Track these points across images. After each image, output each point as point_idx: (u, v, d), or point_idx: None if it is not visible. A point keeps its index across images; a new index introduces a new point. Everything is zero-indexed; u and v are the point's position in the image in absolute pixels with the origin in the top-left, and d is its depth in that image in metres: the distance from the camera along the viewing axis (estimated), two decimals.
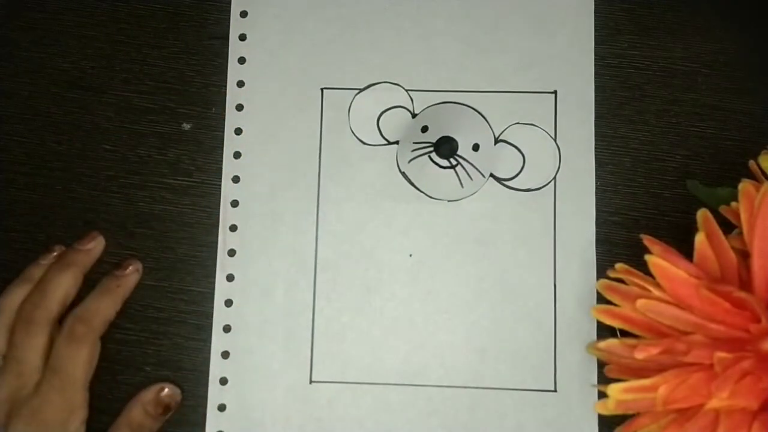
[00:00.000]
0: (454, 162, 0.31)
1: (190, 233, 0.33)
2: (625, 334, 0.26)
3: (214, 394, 0.32)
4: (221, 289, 0.33)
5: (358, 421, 0.32)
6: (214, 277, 0.33)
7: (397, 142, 0.33)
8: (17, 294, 0.31)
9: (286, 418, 0.32)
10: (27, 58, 0.35)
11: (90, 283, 0.33)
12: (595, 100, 0.33)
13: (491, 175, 0.33)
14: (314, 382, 0.32)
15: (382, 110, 0.34)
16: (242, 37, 0.34)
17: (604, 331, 0.31)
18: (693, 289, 0.24)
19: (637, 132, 0.33)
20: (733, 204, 0.25)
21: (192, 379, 0.33)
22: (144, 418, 0.31)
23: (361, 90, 0.34)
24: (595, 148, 0.33)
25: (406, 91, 0.34)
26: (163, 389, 0.32)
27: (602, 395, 0.25)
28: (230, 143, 0.34)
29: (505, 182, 0.33)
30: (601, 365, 0.31)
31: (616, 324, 0.26)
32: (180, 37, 0.35)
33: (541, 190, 0.33)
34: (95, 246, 0.32)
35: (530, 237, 0.33)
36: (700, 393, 0.23)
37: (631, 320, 0.25)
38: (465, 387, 0.32)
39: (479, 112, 0.33)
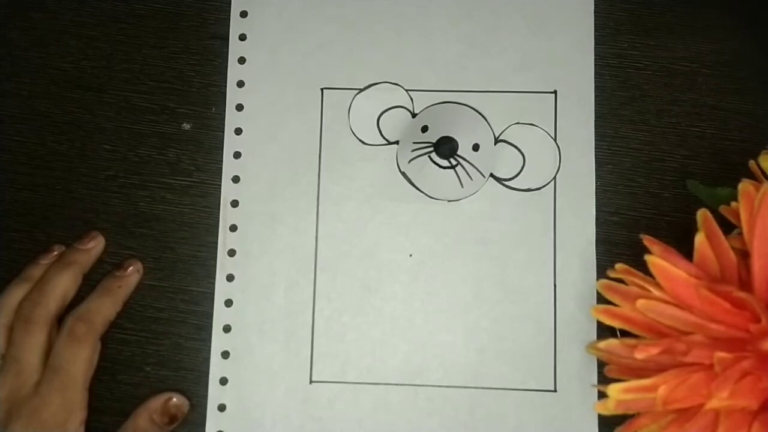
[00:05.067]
0: (454, 162, 0.31)
1: (190, 233, 0.33)
2: (625, 334, 0.26)
3: (214, 394, 0.32)
4: (221, 289, 0.33)
5: (358, 421, 0.32)
6: (214, 277, 0.33)
7: (397, 142, 0.33)
8: (16, 293, 0.31)
9: (286, 418, 0.32)
10: (27, 58, 0.35)
11: (90, 283, 0.33)
12: (595, 100, 0.33)
13: (491, 175, 0.33)
14: (314, 382, 0.32)
15: (382, 110, 0.34)
16: (242, 37, 0.34)
17: (604, 331, 0.31)
18: (693, 289, 0.24)
19: (637, 132, 0.33)
20: (733, 204, 0.25)
21: (192, 379, 0.33)
22: (149, 426, 0.31)
23: (361, 90, 0.34)
24: (595, 148, 0.33)
25: (406, 91, 0.34)
26: (171, 399, 0.32)
27: (602, 395, 0.25)
28: (230, 143, 0.34)
29: (505, 182, 0.33)
30: (601, 365, 0.31)
31: (616, 324, 0.26)
32: (180, 37, 0.35)
33: (541, 190, 0.33)
34: (95, 245, 0.32)
35: (530, 237, 0.33)
36: (700, 393, 0.23)
37: (631, 320, 0.25)
38: (465, 387, 0.32)
39: (479, 112, 0.33)
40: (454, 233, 0.33)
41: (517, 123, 0.33)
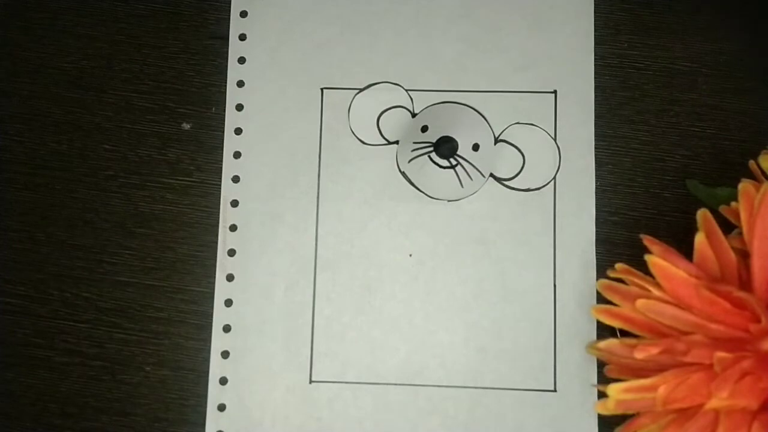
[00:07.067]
0: (454, 162, 0.31)
1: (190, 233, 0.33)
2: (625, 334, 0.26)
3: (214, 394, 0.32)
4: (221, 289, 0.33)
5: (358, 421, 0.32)
6: (214, 277, 0.33)
7: (397, 142, 0.33)
8: None
9: (286, 418, 0.32)
10: (27, 58, 0.35)
11: (91, 282, 0.33)
12: (595, 100, 0.33)
13: (491, 175, 0.33)
14: (314, 382, 0.32)
15: (382, 110, 0.34)
16: (242, 37, 0.34)
17: (604, 331, 0.31)
18: (693, 289, 0.24)
19: (637, 132, 0.33)
20: (733, 204, 0.25)
21: (192, 379, 0.33)
22: None
23: (361, 90, 0.34)
24: (595, 148, 0.33)
25: (406, 91, 0.34)
26: None
27: (602, 395, 0.25)
28: (230, 143, 0.34)
29: (505, 182, 0.33)
30: (601, 365, 0.31)
31: (616, 324, 0.26)
32: (180, 37, 0.35)
33: (541, 190, 0.33)
34: None
35: (530, 237, 0.33)
36: (700, 393, 0.23)
37: (631, 320, 0.25)
38: (465, 387, 0.32)
39: (479, 112, 0.33)
40: (454, 233, 0.33)
41: (517, 123, 0.33)
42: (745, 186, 0.24)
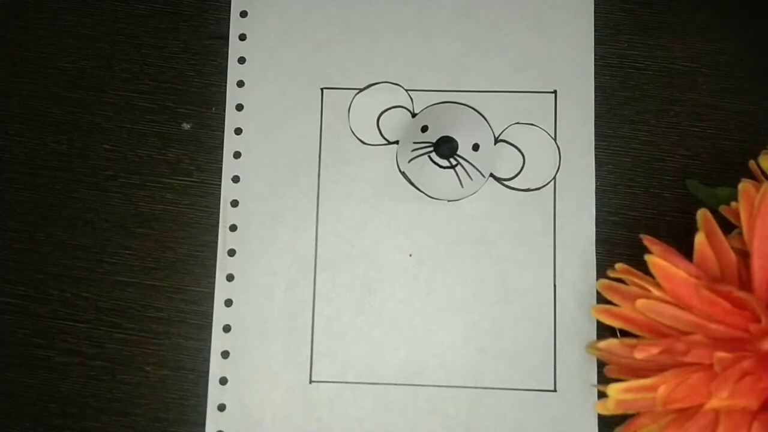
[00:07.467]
0: (454, 162, 0.31)
1: (190, 233, 0.33)
2: (625, 334, 0.26)
3: (214, 394, 0.32)
4: (221, 289, 0.33)
5: (358, 421, 0.32)
6: (214, 277, 0.33)
7: (397, 142, 0.33)
8: None
9: (286, 418, 0.32)
10: (27, 58, 0.35)
11: (91, 282, 0.33)
12: (595, 100, 0.33)
13: (491, 175, 0.33)
14: (314, 382, 0.32)
15: (382, 110, 0.34)
16: (242, 37, 0.34)
17: (604, 331, 0.31)
18: (693, 289, 0.24)
19: (637, 132, 0.33)
20: (733, 204, 0.25)
21: (192, 379, 0.33)
22: None
23: (361, 90, 0.34)
24: (595, 148, 0.33)
25: (406, 91, 0.34)
26: None
27: (602, 395, 0.25)
28: (230, 143, 0.34)
29: (505, 182, 0.33)
30: (601, 365, 0.31)
31: (616, 324, 0.26)
32: (180, 37, 0.35)
33: (541, 190, 0.33)
34: None
35: (530, 237, 0.33)
36: (700, 393, 0.23)
37: (631, 320, 0.25)
38: (465, 387, 0.32)
39: (479, 112, 0.33)
40: (454, 233, 0.33)
41: (517, 123, 0.33)
42: (745, 186, 0.24)
